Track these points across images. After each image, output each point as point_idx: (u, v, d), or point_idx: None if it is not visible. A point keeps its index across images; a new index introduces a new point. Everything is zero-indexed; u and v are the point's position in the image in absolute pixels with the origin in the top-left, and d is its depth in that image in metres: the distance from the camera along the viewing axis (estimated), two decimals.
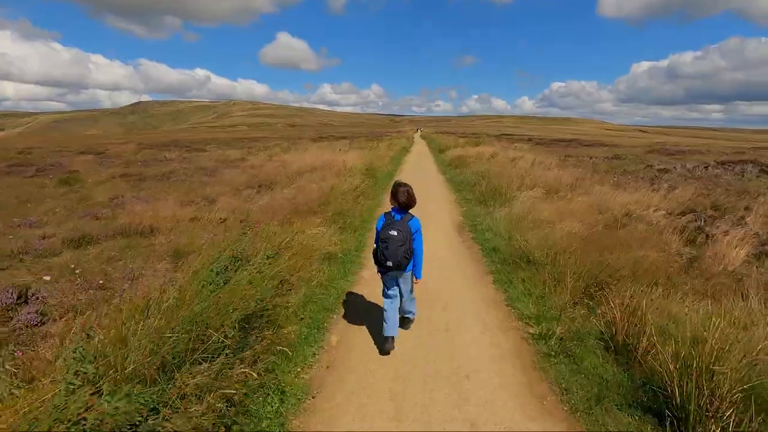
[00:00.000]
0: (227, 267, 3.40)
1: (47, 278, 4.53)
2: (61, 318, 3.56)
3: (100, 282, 4.36)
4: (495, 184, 10.56)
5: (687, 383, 2.57)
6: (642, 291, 3.83)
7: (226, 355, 2.62)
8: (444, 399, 2.93)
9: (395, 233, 3.29)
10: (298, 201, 7.02)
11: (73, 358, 2.19)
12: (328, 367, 3.32)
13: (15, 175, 14.27)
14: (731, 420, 2.33)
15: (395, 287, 3.60)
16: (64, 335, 2.86)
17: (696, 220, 6.08)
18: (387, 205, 3.71)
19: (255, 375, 2.67)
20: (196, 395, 2.24)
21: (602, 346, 3.48)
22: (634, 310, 3.53)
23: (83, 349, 2.25)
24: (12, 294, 4.04)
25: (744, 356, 2.64)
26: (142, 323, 2.49)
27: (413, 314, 3.88)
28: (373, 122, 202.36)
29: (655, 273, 4.38)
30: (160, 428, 2.00)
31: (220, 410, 2.24)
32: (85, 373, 2.12)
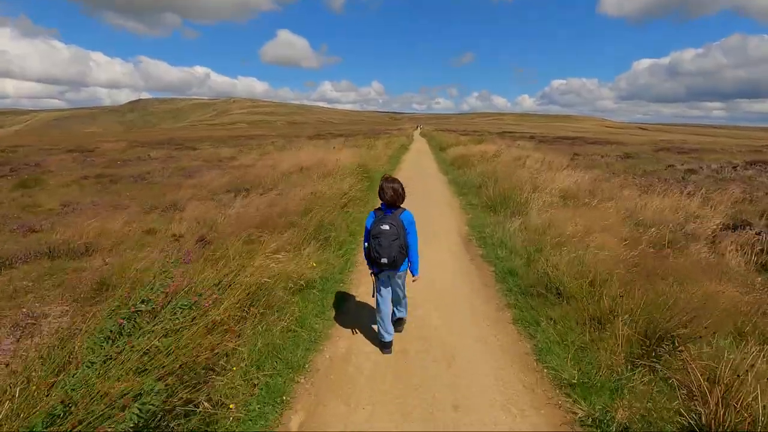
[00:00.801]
0: (121, 330, 2.26)
1: None
2: None
3: None
4: (504, 187, 9.41)
5: None
6: (729, 346, 2.71)
7: None
8: None
9: (387, 227, 3.11)
10: (275, 210, 5.88)
11: None
12: None
13: None
14: None
15: (389, 287, 3.41)
16: None
17: (760, 234, 4.94)
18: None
19: None
20: None
21: None
22: (729, 387, 2.41)
23: None
24: None
25: None
26: None
27: (405, 314, 3.71)
28: (373, 120, 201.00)
29: (737, 316, 3.25)
30: None
31: None
32: None
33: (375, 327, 3.65)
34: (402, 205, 3.31)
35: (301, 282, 4.27)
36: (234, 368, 2.78)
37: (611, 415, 2.52)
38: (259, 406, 2.67)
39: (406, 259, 3.30)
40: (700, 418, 2.39)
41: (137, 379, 1.98)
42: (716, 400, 2.35)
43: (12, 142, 39.67)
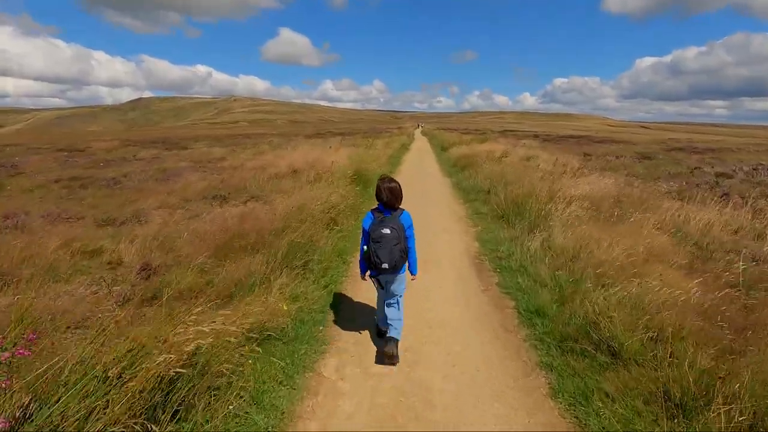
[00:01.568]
0: None
1: None
2: None
3: None
4: (516, 193, 8.34)
5: None
6: None
7: None
8: None
9: (388, 231, 3.01)
10: (246, 226, 4.82)
11: None
12: None
13: None
14: None
15: (387, 289, 3.29)
16: None
17: None
18: None
19: None
20: None
21: None
22: None
23: None
24: None
25: None
26: None
27: (399, 333, 3.26)
28: (374, 118, 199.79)
29: None
30: None
31: None
32: None
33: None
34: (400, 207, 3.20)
35: (267, 332, 3.22)
36: None
37: None
38: None
39: (405, 262, 3.21)
40: None
41: None
42: None
43: (7, 141, 38.74)
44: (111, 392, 1.75)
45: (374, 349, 3.39)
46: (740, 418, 2.17)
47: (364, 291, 4.37)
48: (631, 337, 2.91)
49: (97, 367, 1.79)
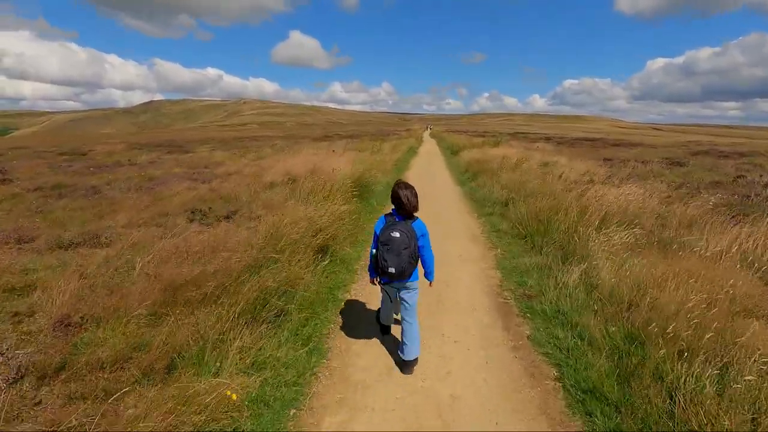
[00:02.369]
0: None
1: None
2: None
3: None
4: (539, 206, 7.27)
5: None
6: None
7: None
8: None
9: (397, 234, 2.88)
10: (208, 266, 3.80)
11: None
12: None
13: None
14: None
15: (395, 299, 3.21)
16: None
17: None
18: None
19: None
20: None
21: None
22: None
23: None
24: None
25: None
26: None
27: (416, 353, 3.10)
28: (382, 121, 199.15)
29: None
30: None
31: None
32: None
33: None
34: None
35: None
36: None
37: None
38: None
39: (415, 270, 3.03)
40: None
41: None
42: None
43: (16, 144, 38.57)
44: None
45: None
46: None
47: (360, 346, 3.36)
48: None
49: None
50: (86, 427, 2.11)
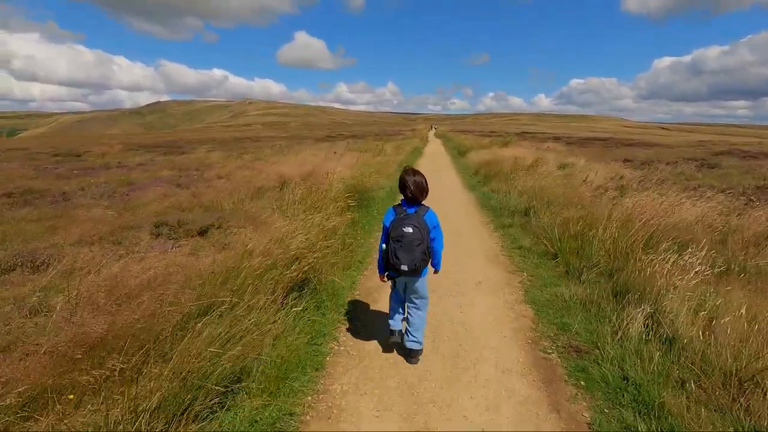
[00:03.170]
0: None
1: None
2: None
3: None
4: (568, 217, 6.19)
5: None
6: None
7: None
8: None
9: (410, 230, 2.73)
10: (123, 316, 2.71)
11: None
12: None
13: None
14: None
15: (405, 292, 3.07)
16: None
17: None
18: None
19: None
20: None
21: None
22: None
23: None
24: None
25: None
26: None
27: (421, 343, 3.06)
28: (387, 121, 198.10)
29: None
30: None
31: None
32: None
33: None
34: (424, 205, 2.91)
35: None
36: None
37: None
38: None
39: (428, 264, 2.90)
40: None
41: None
42: None
43: (16, 145, 37.97)
44: None
45: None
46: None
47: None
48: None
49: None
50: None
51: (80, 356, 2.19)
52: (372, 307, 4.01)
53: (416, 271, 2.77)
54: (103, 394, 1.99)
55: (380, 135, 42.18)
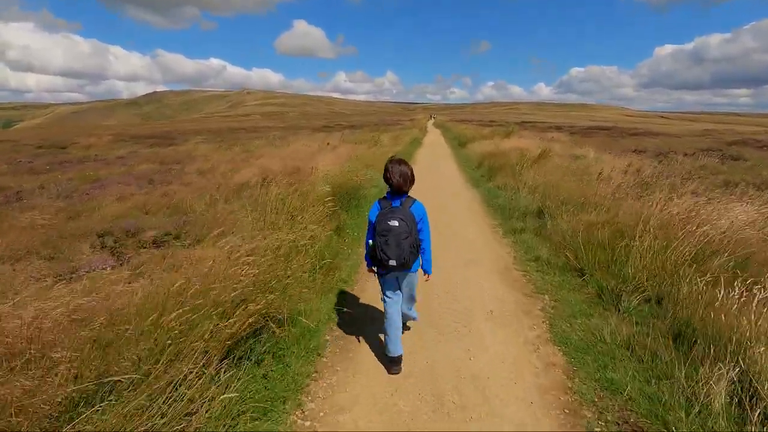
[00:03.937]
0: None
1: None
2: None
3: None
4: (589, 221, 5.27)
5: None
6: None
7: None
8: None
9: (396, 223, 2.59)
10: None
11: None
12: None
13: None
14: None
15: (398, 291, 2.87)
16: None
17: None
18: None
19: None
20: None
21: None
22: None
23: None
24: None
25: None
26: None
27: (415, 318, 3.16)
28: (386, 110, 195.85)
29: None
30: None
31: None
32: None
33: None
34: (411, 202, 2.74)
35: None
36: None
37: None
38: None
39: (418, 258, 2.78)
40: None
41: None
42: None
43: (3, 137, 36.80)
44: None
45: None
46: None
47: None
48: None
49: None
50: None
51: None
52: (356, 345, 3.11)
53: (405, 265, 2.62)
54: None
55: (378, 125, 41.01)
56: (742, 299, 2.75)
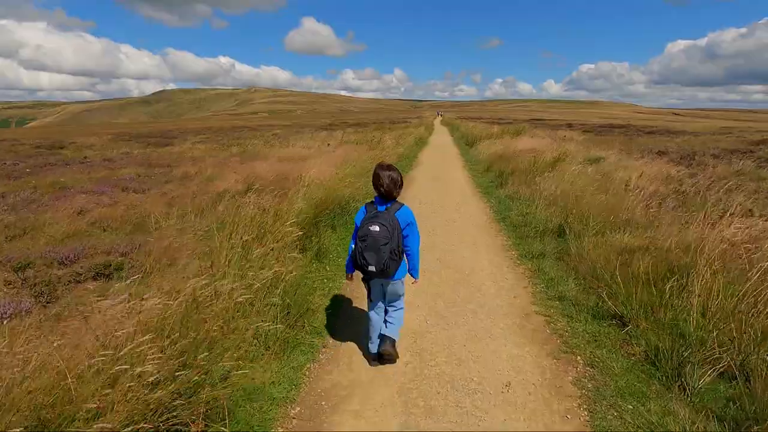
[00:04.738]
0: None
1: None
2: None
3: None
4: (625, 245, 4.34)
5: None
6: None
7: None
8: None
9: (377, 228, 2.53)
10: None
11: None
12: None
13: None
14: None
15: (381, 298, 2.85)
16: None
17: None
18: None
19: None
20: None
21: None
22: None
23: None
24: None
25: None
26: None
27: (396, 331, 2.91)
28: (393, 108, 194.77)
29: None
30: None
31: None
32: None
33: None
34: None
35: None
36: None
37: None
38: None
39: (402, 264, 2.72)
40: None
41: None
42: None
43: (6, 136, 36.58)
44: None
45: None
46: None
47: None
48: None
49: None
50: None
51: None
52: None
53: (385, 273, 2.58)
54: None
55: (384, 123, 40.08)
56: None
